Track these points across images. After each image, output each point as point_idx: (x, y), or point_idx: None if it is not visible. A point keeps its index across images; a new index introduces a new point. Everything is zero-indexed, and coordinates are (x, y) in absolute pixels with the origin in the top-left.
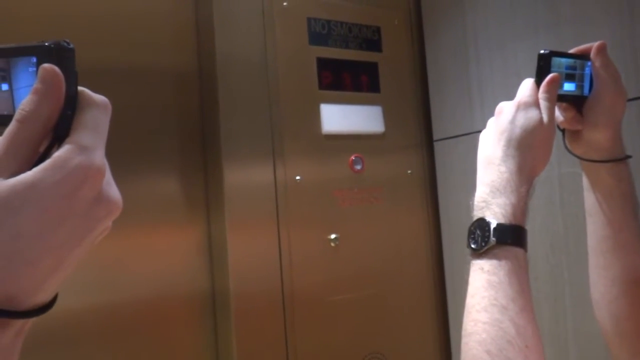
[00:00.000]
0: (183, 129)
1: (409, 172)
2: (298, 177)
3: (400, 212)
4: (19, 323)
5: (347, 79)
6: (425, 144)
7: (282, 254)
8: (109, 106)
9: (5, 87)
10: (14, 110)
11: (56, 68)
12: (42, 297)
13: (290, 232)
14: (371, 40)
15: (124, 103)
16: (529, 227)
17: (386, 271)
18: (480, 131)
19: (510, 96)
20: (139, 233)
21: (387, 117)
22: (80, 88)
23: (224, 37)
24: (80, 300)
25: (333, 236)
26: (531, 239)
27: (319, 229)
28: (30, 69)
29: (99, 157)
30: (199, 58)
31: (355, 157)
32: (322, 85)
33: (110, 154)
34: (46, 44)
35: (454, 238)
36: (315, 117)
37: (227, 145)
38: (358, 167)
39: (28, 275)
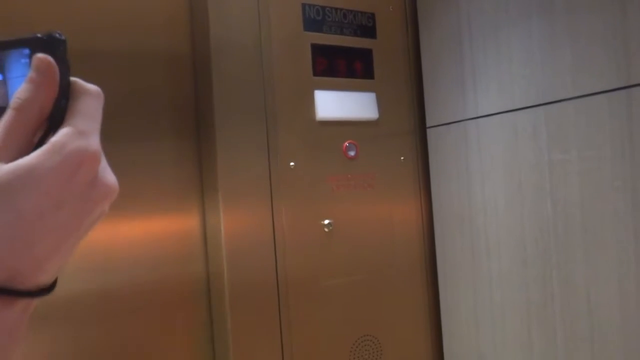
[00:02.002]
0: (177, 114)
1: (402, 158)
2: (292, 163)
3: (393, 198)
4: (23, 302)
5: (341, 66)
6: (419, 131)
7: (276, 239)
8: (102, 94)
9: None
10: (7, 101)
11: (50, 58)
12: (44, 279)
13: (284, 218)
14: (366, 26)
15: (117, 88)
16: (518, 211)
17: (379, 256)
18: (472, 118)
19: (503, 84)
20: (135, 219)
21: (381, 104)
22: (72, 78)
23: (218, 22)
24: (77, 285)
25: (327, 221)
26: (520, 223)
27: (313, 214)
28: (23, 61)
29: (95, 142)
30: (193, 43)
31: (349, 143)
32: (317, 72)
33: (104, 140)
34: (39, 35)
35: (446, 224)
36: (309, 104)
37: (221, 132)
38: (352, 153)
39: (29, 255)
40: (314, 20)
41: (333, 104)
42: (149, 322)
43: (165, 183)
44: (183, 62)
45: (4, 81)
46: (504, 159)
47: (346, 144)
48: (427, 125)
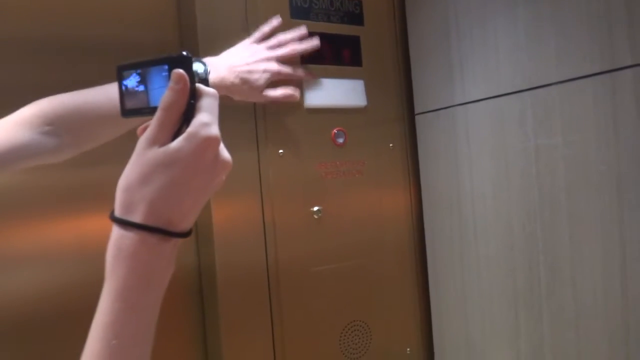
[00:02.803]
0: None
1: (391, 145)
2: (281, 151)
3: (382, 185)
4: (174, 240)
5: (329, 53)
6: (407, 117)
7: (265, 226)
8: (217, 95)
9: (141, 88)
10: (148, 103)
11: (184, 72)
12: (186, 225)
13: (273, 205)
14: (353, 13)
15: (106, 80)
16: (505, 196)
17: (369, 242)
18: (460, 104)
19: (489, 70)
20: None
21: (370, 91)
22: (196, 84)
23: (204, 12)
24: (67, 276)
25: (316, 208)
26: (507, 208)
27: (302, 201)
28: (163, 74)
29: (215, 129)
30: (181, 33)
31: (338, 130)
32: (304, 59)
33: None
34: (173, 55)
35: (435, 210)
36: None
37: None
38: (340, 140)
39: (179, 208)
40: (300, 8)
41: (321, 91)
42: None
43: None
44: (171, 51)
45: (146, 91)
46: (491, 144)
47: (335, 131)
48: (416, 112)
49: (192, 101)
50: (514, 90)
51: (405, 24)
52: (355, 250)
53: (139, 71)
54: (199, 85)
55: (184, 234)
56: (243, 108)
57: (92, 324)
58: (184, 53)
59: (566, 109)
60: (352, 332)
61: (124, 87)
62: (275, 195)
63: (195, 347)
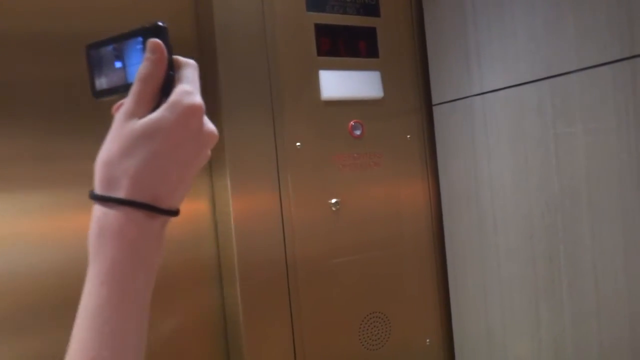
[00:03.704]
0: None
1: (408, 136)
2: (298, 144)
3: (400, 176)
4: (162, 218)
5: (345, 45)
6: (424, 108)
7: (284, 219)
8: (197, 65)
9: (118, 64)
10: (126, 80)
11: (159, 41)
12: (174, 202)
13: (291, 198)
14: (369, 5)
15: None
16: (525, 186)
17: (387, 233)
18: (478, 94)
19: (507, 58)
20: None
21: (386, 82)
22: (174, 56)
23: (222, 6)
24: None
25: (334, 200)
26: (527, 198)
27: (320, 193)
28: (138, 47)
29: (199, 98)
30: (198, 28)
31: (355, 122)
32: (321, 52)
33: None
34: (147, 26)
35: (454, 201)
36: (314, 84)
37: (228, 115)
38: (357, 132)
39: (165, 182)
40: (316, 1)
41: (338, 83)
42: (161, 305)
43: None
44: (188, 46)
45: (124, 68)
46: (510, 134)
47: (352, 123)
48: (433, 102)
49: (171, 72)
50: (532, 79)
51: (422, 13)
52: (373, 242)
53: (113, 47)
54: (177, 57)
55: (172, 212)
56: (260, 102)
57: (78, 311)
58: (159, 23)
59: (586, 96)
60: (371, 323)
61: (97, 66)
62: (293, 188)
63: (216, 339)
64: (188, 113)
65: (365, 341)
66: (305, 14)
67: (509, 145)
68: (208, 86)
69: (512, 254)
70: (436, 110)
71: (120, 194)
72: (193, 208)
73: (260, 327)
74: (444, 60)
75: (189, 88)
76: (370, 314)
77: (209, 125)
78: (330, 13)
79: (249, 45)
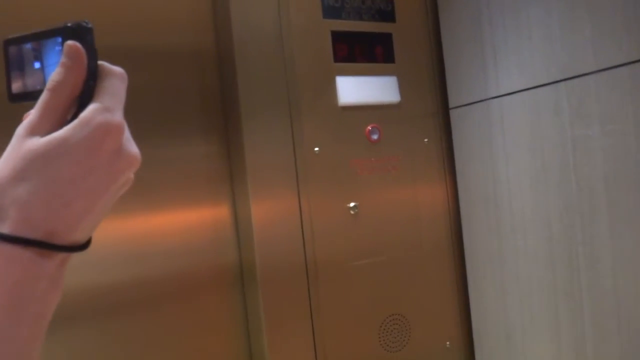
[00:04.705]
0: (204, 108)
1: (426, 140)
2: (316, 149)
3: (417, 180)
4: (61, 255)
5: (361, 51)
6: (441, 112)
7: (303, 223)
8: (125, 75)
9: (37, 65)
10: (45, 84)
11: (78, 44)
12: (78, 237)
13: (310, 202)
14: (385, 10)
15: (145, 85)
16: (543, 188)
17: (405, 236)
18: (494, 97)
19: (523, 61)
20: (169, 210)
21: (403, 87)
22: (99, 62)
23: (239, 16)
24: (115, 274)
25: (352, 204)
26: (545, 200)
27: (339, 198)
28: (57, 48)
29: (119, 116)
30: (217, 37)
31: (372, 127)
32: (337, 58)
33: (137, 139)
34: (68, 24)
35: (472, 203)
36: (331, 90)
37: (247, 122)
38: (375, 136)
39: (64, 214)
40: (332, 7)
41: (354, 89)
42: (184, 308)
43: (197, 175)
44: (208, 56)
45: (42, 68)
46: (527, 136)
47: (369, 127)
48: (450, 106)
49: (92, 82)
50: (549, 81)
51: (438, 18)
52: (392, 244)
53: (31, 45)
54: (103, 63)
55: (74, 248)
56: (278, 108)
57: None
58: (84, 23)
59: (603, 98)
60: (391, 325)
61: (15, 65)
62: (312, 192)
63: (238, 341)
64: (101, 133)
65: (385, 343)
66: (321, 21)
67: (526, 148)
68: (228, 94)
69: (531, 255)
70: (453, 114)
71: (5, 227)
72: (214, 214)
73: (281, 329)
74: (460, 63)
75: (106, 103)
76: (390, 316)
77: (129, 146)
78: (346, 20)
79: (266, 54)
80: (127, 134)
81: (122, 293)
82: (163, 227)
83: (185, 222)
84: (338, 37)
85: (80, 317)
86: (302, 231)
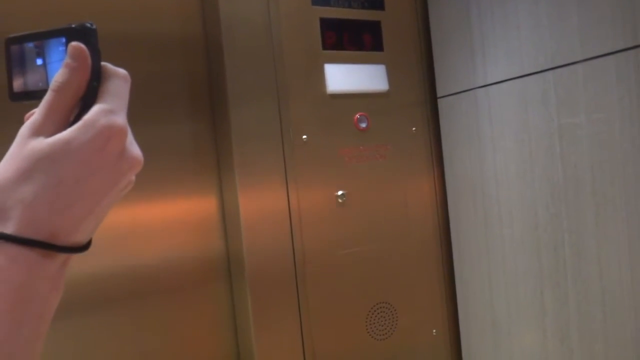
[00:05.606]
0: (192, 96)
1: (414, 129)
2: (305, 137)
3: (405, 168)
4: (62, 256)
5: (350, 39)
6: (430, 101)
7: (291, 212)
8: (129, 77)
9: (40, 61)
10: (47, 83)
11: (82, 45)
12: (80, 238)
13: (299, 190)
14: None
15: (132, 73)
16: (529, 177)
17: (393, 225)
18: (482, 86)
19: (511, 50)
20: (156, 200)
21: (391, 75)
22: (103, 63)
23: (227, 3)
24: (101, 265)
25: (340, 193)
26: (532, 188)
27: (327, 186)
28: (61, 48)
29: (122, 118)
30: (204, 24)
31: (360, 115)
32: (326, 46)
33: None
34: (73, 25)
35: (459, 192)
36: (319, 77)
37: (234, 110)
38: (363, 125)
39: (68, 215)
40: None
41: (343, 77)
42: (171, 300)
43: (184, 165)
44: (195, 43)
45: (44, 65)
46: (514, 125)
47: (357, 116)
48: (438, 95)
49: (95, 83)
50: (536, 70)
51: (427, 6)
52: (380, 233)
53: (34, 45)
54: (106, 65)
55: (77, 249)
56: (266, 96)
57: None
58: (88, 24)
59: (589, 87)
60: (378, 313)
61: (17, 64)
62: (300, 181)
63: (225, 331)
64: (105, 136)
65: (373, 331)
66: (310, 8)
67: (513, 137)
68: (215, 82)
69: (517, 244)
70: (441, 103)
71: (10, 228)
72: (201, 204)
73: (268, 319)
74: (449, 52)
75: (110, 106)
76: (377, 304)
77: (133, 149)
78: (335, 7)
79: (254, 41)
80: (130, 137)
81: (107, 285)
82: (149, 217)
83: (173, 213)
84: (327, 25)
85: (64, 309)
86: (290, 220)
